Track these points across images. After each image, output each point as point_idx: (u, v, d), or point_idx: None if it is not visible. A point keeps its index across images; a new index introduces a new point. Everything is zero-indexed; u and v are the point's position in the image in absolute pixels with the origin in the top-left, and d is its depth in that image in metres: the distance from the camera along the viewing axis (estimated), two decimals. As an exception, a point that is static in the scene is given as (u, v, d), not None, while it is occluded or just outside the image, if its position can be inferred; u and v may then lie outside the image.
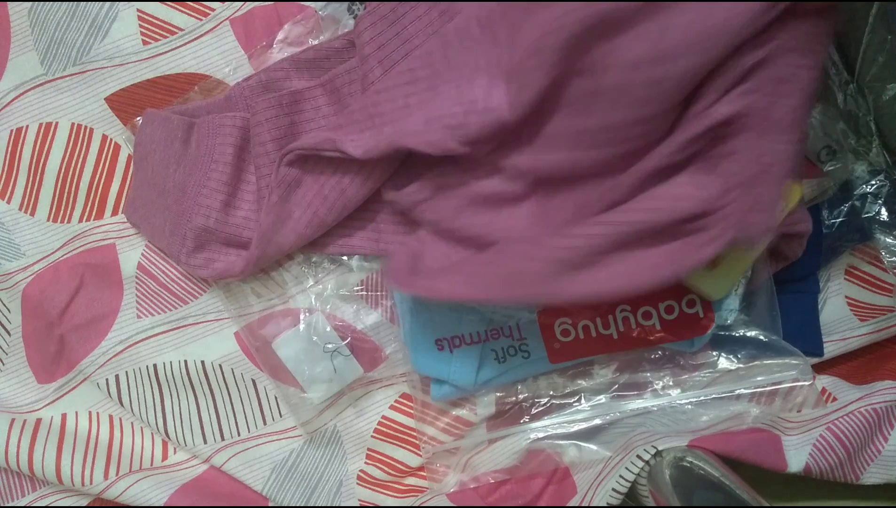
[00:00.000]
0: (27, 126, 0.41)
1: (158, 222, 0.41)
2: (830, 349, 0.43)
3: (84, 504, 0.44)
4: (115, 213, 0.43)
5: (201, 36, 0.40)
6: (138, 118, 0.41)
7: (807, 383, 0.41)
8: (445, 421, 0.44)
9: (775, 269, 0.40)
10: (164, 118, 0.40)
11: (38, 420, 0.43)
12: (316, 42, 0.40)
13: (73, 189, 0.42)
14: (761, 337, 0.41)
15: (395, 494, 0.45)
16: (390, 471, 0.45)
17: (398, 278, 0.34)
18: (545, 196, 0.34)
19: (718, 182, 0.29)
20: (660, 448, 0.39)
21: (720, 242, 0.29)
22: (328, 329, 0.42)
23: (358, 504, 0.45)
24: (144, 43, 0.40)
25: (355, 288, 0.42)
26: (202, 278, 0.41)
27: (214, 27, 0.40)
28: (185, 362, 0.43)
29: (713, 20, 0.26)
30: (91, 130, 0.42)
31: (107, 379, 0.43)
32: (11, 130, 0.42)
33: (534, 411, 0.43)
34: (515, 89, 0.31)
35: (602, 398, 0.43)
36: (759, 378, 0.41)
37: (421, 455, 0.44)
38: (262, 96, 0.38)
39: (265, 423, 0.44)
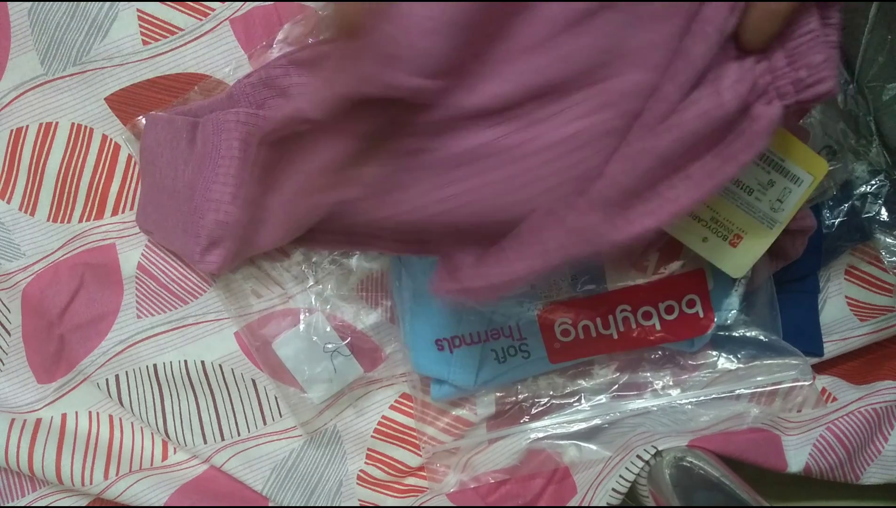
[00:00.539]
0: (27, 126, 0.41)
1: (171, 224, 0.40)
2: (830, 349, 0.43)
3: (84, 504, 0.44)
4: (115, 213, 0.43)
5: (201, 36, 0.40)
6: (139, 118, 0.41)
7: (807, 383, 0.41)
8: (445, 421, 0.44)
9: (775, 269, 0.40)
10: (168, 120, 0.40)
11: (38, 420, 0.43)
12: (316, 42, 0.40)
13: (73, 189, 0.42)
14: (761, 337, 0.41)
15: (395, 494, 0.45)
16: (390, 471, 0.45)
17: (442, 284, 0.32)
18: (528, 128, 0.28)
19: (755, 56, 0.27)
20: (660, 448, 0.39)
21: (774, 117, 0.27)
22: (328, 329, 0.42)
23: (358, 504, 0.45)
24: (144, 43, 0.40)
25: (355, 288, 0.42)
26: (214, 273, 0.41)
27: (214, 27, 0.40)
28: (185, 362, 0.43)
29: None
30: (91, 130, 0.41)
31: (107, 379, 0.43)
32: (11, 131, 0.42)
33: (534, 411, 0.43)
34: None
35: (602, 398, 0.43)
36: (759, 378, 0.41)
37: (421, 455, 0.44)
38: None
39: (265, 423, 0.44)
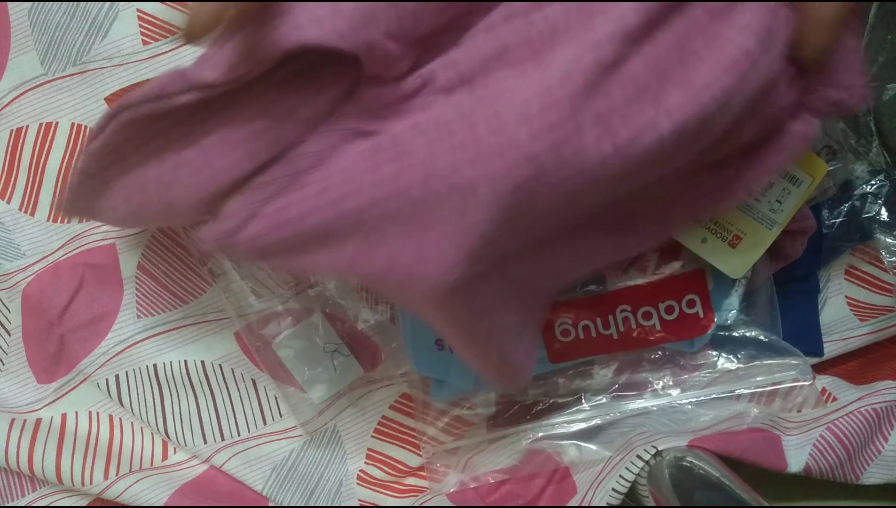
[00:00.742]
0: (27, 126, 0.41)
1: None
2: (830, 349, 0.43)
3: (84, 504, 0.44)
4: (115, 213, 0.43)
5: (201, 36, 0.40)
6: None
7: (807, 383, 0.41)
8: (445, 421, 0.44)
9: (775, 269, 0.40)
10: None
11: (38, 420, 0.43)
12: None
13: (73, 189, 0.42)
14: (761, 337, 0.41)
15: (395, 494, 0.45)
16: (390, 471, 0.45)
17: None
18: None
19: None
20: (660, 448, 0.39)
21: (810, 133, 0.26)
22: (328, 329, 0.42)
23: (358, 504, 0.45)
24: (144, 43, 0.40)
25: (355, 288, 0.42)
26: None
27: (214, 27, 0.40)
28: (185, 362, 0.43)
29: None
30: (91, 130, 0.41)
31: (107, 379, 0.43)
32: (11, 131, 0.42)
33: (534, 411, 0.43)
34: None
35: (602, 398, 0.43)
36: (758, 378, 0.41)
37: (421, 455, 0.44)
38: None
39: (265, 423, 0.44)
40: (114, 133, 0.26)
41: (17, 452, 0.42)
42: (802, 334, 0.42)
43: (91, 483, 0.42)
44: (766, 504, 0.36)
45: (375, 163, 0.23)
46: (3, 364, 0.44)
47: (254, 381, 0.43)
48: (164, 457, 0.44)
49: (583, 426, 0.42)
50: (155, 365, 0.43)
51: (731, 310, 0.40)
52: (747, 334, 0.41)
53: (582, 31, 0.22)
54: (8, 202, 0.42)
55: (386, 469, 0.45)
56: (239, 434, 0.44)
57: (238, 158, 0.25)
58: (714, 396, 0.41)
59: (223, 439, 0.43)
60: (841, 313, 0.43)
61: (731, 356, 0.42)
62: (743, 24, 0.22)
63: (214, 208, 0.26)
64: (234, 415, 0.43)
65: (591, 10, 0.22)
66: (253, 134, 0.24)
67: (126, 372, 0.43)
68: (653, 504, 0.39)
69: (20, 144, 0.42)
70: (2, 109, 0.41)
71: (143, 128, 0.26)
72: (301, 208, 0.24)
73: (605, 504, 0.40)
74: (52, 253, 0.43)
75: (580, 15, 0.22)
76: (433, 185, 0.22)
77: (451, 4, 0.22)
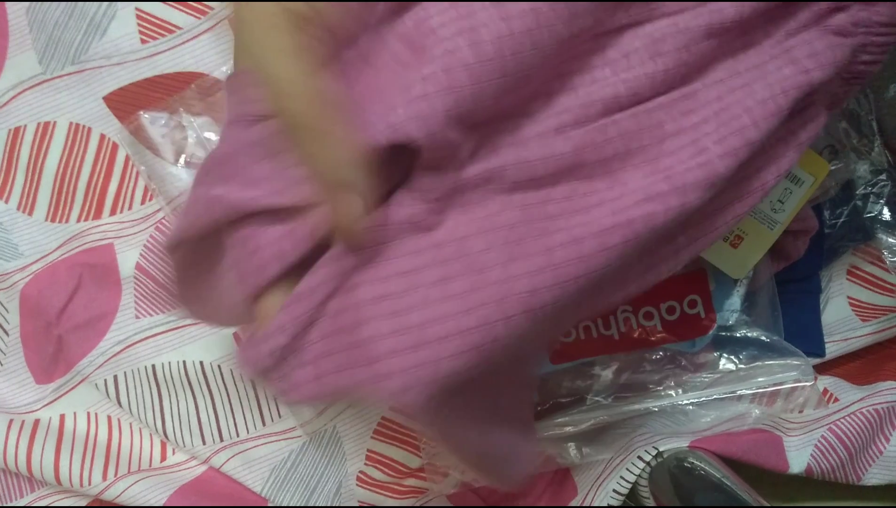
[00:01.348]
0: (25, 126, 0.41)
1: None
2: (832, 349, 0.43)
3: (83, 504, 0.44)
4: (113, 212, 0.43)
5: (200, 35, 0.40)
6: (140, 112, 0.41)
7: (808, 383, 0.40)
8: (445, 422, 0.43)
9: (777, 269, 0.40)
10: None
11: (37, 421, 0.43)
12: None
13: (72, 189, 0.42)
14: (763, 338, 0.41)
15: (395, 495, 0.45)
16: (390, 472, 0.45)
17: None
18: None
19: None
20: (661, 449, 0.39)
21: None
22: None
23: (357, 506, 0.45)
24: (143, 42, 0.40)
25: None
26: None
27: (213, 26, 0.40)
28: (184, 362, 0.42)
29: None
30: (89, 129, 0.41)
31: (105, 380, 0.42)
32: (9, 130, 0.41)
33: (535, 412, 0.43)
34: None
35: (603, 399, 0.43)
36: (760, 379, 0.41)
37: (421, 456, 0.44)
38: None
39: (264, 424, 0.43)
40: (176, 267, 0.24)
41: (16, 453, 0.42)
42: (804, 334, 0.42)
43: (90, 484, 0.42)
44: (768, 505, 0.36)
45: (445, 275, 0.21)
46: (2, 365, 0.44)
47: (253, 382, 0.43)
48: (163, 458, 0.44)
49: (583, 426, 0.42)
50: (153, 366, 0.42)
51: (732, 310, 0.39)
52: (749, 334, 0.41)
53: (654, 155, 0.22)
54: (6, 202, 0.42)
55: (386, 470, 0.45)
56: (238, 435, 0.43)
57: (272, 253, 0.21)
58: (715, 397, 0.41)
59: (222, 440, 0.43)
60: (843, 314, 0.43)
61: (732, 357, 0.42)
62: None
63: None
64: (233, 416, 0.43)
65: (664, 131, 0.22)
66: (287, 225, 0.21)
67: (125, 373, 0.42)
68: (654, 504, 0.39)
69: (18, 144, 0.41)
70: (0, 108, 0.41)
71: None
72: (358, 316, 0.21)
73: (606, 505, 0.40)
74: (51, 253, 0.42)
75: (653, 135, 0.22)
76: (507, 308, 0.21)
77: (512, 90, 0.21)
